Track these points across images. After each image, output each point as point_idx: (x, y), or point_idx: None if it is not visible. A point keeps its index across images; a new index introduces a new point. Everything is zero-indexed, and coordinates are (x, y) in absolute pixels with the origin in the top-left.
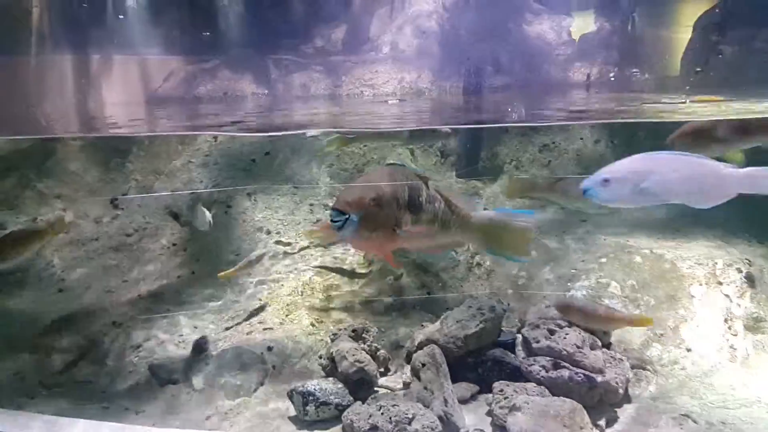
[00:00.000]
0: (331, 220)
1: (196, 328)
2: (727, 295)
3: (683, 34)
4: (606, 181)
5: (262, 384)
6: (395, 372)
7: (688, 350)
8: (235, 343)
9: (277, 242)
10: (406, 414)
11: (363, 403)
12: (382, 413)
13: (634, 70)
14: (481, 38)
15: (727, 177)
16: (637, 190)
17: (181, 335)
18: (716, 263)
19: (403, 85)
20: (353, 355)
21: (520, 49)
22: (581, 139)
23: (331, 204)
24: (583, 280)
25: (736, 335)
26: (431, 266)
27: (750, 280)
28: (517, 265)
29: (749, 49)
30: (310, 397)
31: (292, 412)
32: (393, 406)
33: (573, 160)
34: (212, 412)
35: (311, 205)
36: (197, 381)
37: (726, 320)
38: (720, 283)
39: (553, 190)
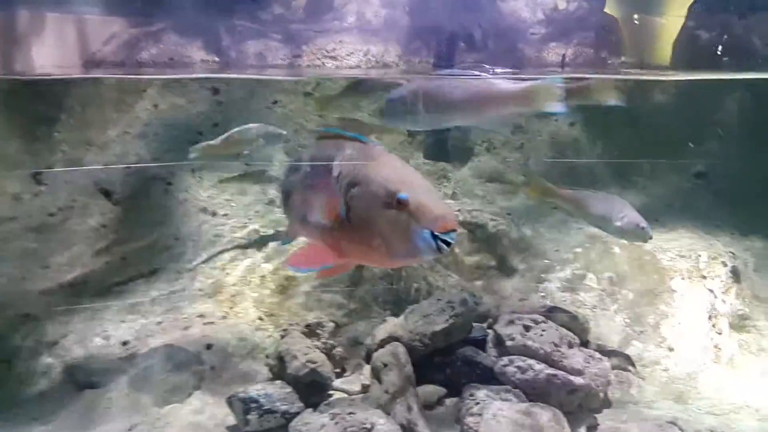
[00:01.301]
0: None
1: (123, 322)
2: (711, 291)
3: (671, 20)
4: (390, 101)
5: (197, 388)
6: (353, 373)
7: (671, 350)
8: (168, 339)
9: (224, 225)
10: (364, 424)
11: (315, 410)
12: (335, 422)
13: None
14: (453, 12)
15: (505, 94)
16: (417, 111)
17: (106, 330)
18: (700, 256)
19: (368, 57)
20: (305, 354)
21: (494, 25)
22: (556, 120)
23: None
24: (557, 272)
25: (720, 334)
26: None
27: (735, 274)
28: (489, 254)
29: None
30: (253, 404)
31: (232, 420)
32: (349, 414)
33: (547, 143)
34: (137, 421)
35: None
36: (121, 384)
37: (710, 317)
38: (704, 277)
39: (568, 200)
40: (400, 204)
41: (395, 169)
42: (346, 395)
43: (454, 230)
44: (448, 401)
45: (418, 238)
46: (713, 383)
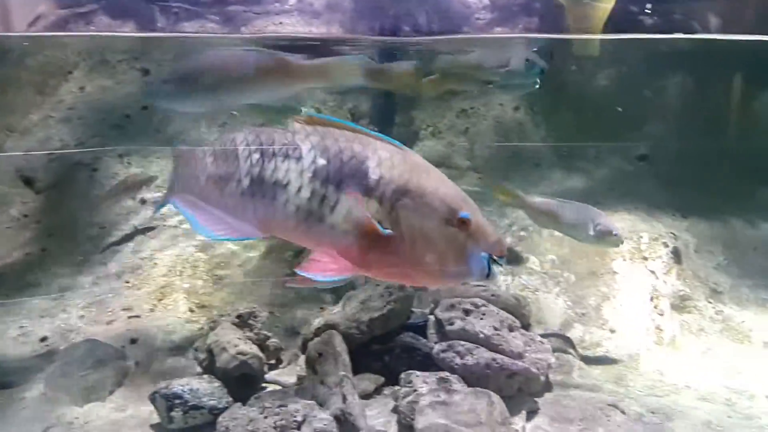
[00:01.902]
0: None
1: (42, 317)
2: (652, 272)
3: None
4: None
5: (120, 385)
6: (289, 364)
7: (612, 331)
8: (90, 334)
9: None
10: (295, 416)
11: (244, 404)
12: (265, 416)
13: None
14: None
15: (298, 68)
16: (197, 89)
17: (22, 326)
18: (641, 237)
19: None
20: (235, 346)
21: (439, 9)
22: (500, 105)
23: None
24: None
25: (662, 315)
26: None
27: (677, 255)
28: None
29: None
30: (177, 400)
31: (156, 418)
32: (279, 407)
33: (492, 127)
34: (53, 422)
35: None
36: (37, 383)
37: (652, 299)
38: (645, 259)
39: (536, 209)
40: (462, 223)
41: (447, 182)
42: (280, 388)
43: (504, 256)
44: (387, 390)
45: (474, 260)
46: (655, 364)
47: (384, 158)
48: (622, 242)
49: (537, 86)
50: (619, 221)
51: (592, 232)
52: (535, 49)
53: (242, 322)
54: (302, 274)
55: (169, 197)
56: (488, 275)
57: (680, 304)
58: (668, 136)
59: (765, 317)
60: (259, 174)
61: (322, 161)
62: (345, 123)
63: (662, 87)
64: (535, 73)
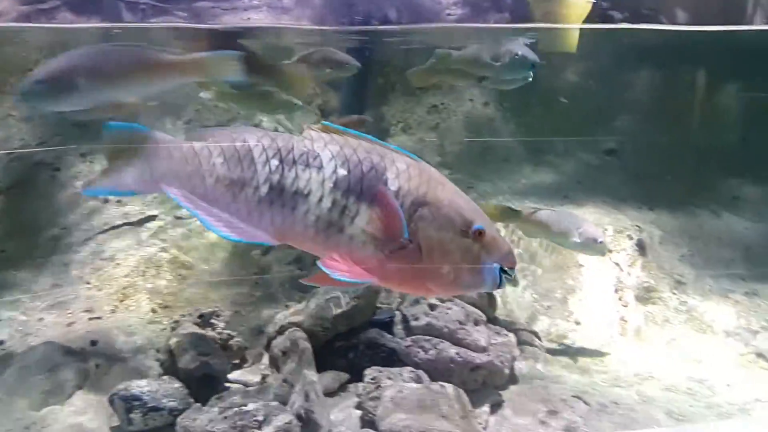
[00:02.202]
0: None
1: (0, 320)
2: (617, 264)
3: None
4: (36, 82)
5: (80, 388)
6: (253, 363)
7: (577, 323)
8: (49, 337)
9: (118, 212)
10: (255, 416)
11: (205, 404)
12: (224, 417)
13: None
14: None
15: (172, 63)
16: (71, 89)
17: None
18: (606, 230)
19: None
20: (196, 346)
21: (409, 4)
22: (470, 100)
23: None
24: None
25: (626, 306)
26: None
27: (641, 247)
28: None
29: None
30: (135, 402)
31: (116, 421)
32: (240, 407)
33: (462, 122)
34: (8, 426)
35: None
36: None
37: (617, 290)
38: (610, 251)
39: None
40: (478, 235)
41: (461, 194)
42: (244, 387)
43: (514, 267)
44: (352, 386)
45: (486, 270)
46: (619, 355)
47: (401, 170)
48: (607, 249)
49: (530, 80)
50: (585, 214)
51: (577, 239)
52: (527, 43)
53: (204, 322)
54: (324, 269)
55: (147, 185)
56: (499, 285)
57: (645, 296)
58: (636, 130)
59: (727, 307)
60: (279, 182)
61: (342, 171)
62: (360, 134)
63: (630, 81)
64: (526, 68)
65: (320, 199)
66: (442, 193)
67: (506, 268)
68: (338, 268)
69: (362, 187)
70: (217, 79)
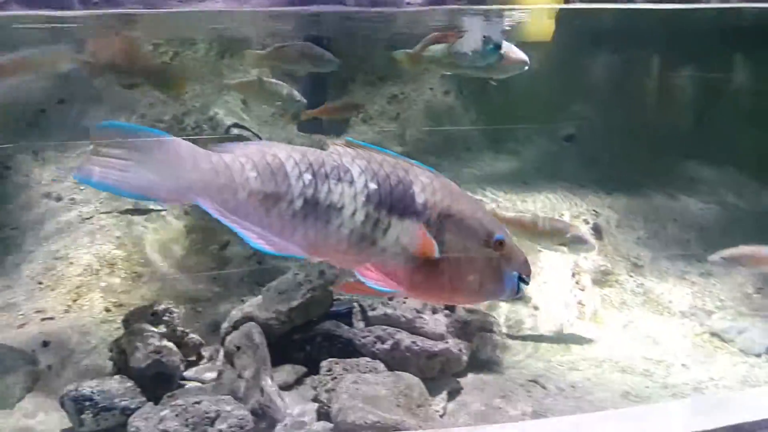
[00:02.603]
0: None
1: None
2: None
3: None
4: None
5: (30, 390)
6: (210, 360)
7: (536, 309)
8: None
9: (71, 211)
10: (207, 413)
11: (158, 403)
12: (176, 415)
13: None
14: None
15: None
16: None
17: None
18: (563, 215)
19: None
20: (149, 344)
21: None
22: (431, 89)
23: None
24: None
25: (584, 290)
26: None
27: (597, 231)
28: None
29: None
30: (86, 403)
31: (68, 423)
32: (193, 404)
33: (422, 112)
34: None
35: None
36: None
37: (574, 275)
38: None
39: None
40: (499, 245)
41: (480, 205)
42: (199, 384)
43: (530, 275)
44: (309, 379)
45: (507, 279)
46: (577, 339)
47: (426, 183)
48: (594, 248)
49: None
50: (543, 200)
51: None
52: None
53: (157, 319)
54: (361, 278)
55: (172, 194)
56: (517, 293)
57: (602, 279)
58: (594, 115)
59: (684, 288)
60: (313, 196)
61: (373, 185)
62: (382, 150)
63: (588, 66)
64: (491, 50)
65: (353, 213)
66: (464, 205)
67: (523, 276)
68: (373, 277)
69: (392, 201)
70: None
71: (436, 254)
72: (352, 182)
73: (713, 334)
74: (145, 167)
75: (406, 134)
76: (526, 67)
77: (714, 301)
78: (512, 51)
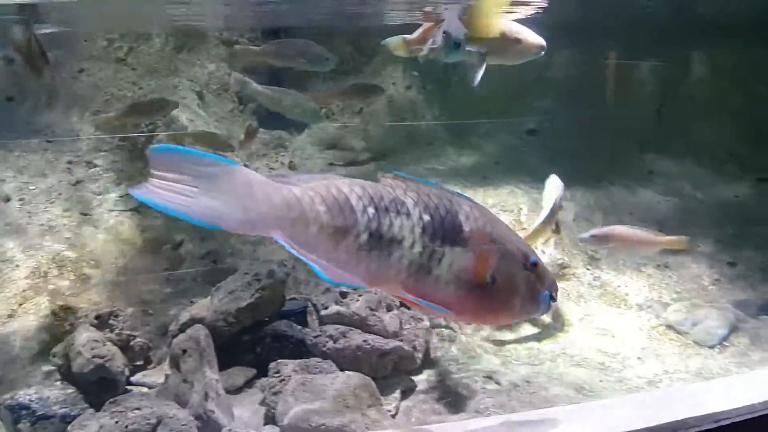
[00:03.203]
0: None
1: None
2: None
3: None
4: None
5: None
6: (159, 364)
7: None
8: None
9: (20, 211)
10: (148, 419)
11: (99, 409)
12: (116, 421)
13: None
14: None
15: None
16: None
17: None
18: (521, 209)
19: None
20: (92, 348)
21: None
22: (393, 84)
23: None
24: None
25: None
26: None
27: (555, 225)
28: None
29: None
30: (23, 411)
31: None
32: (134, 410)
33: (385, 106)
34: None
35: (69, 163)
36: None
37: None
38: (525, 229)
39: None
40: (533, 266)
41: (510, 228)
42: (145, 389)
43: (557, 292)
44: (259, 382)
45: (542, 298)
46: (533, 334)
47: (468, 212)
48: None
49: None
50: (501, 195)
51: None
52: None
53: (102, 322)
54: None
55: (243, 225)
56: (548, 309)
57: (559, 273)
58: (556, 110)
59: (640, 281)
60: (377, 230)
61: (426, 217)
62: (426, 182)
63: (550, 62)
64: (452, 44)
65: (412, 245)
66: (503, 231)
67: (553, 294)
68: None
69: (444, 231)
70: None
71: (487, 279)
72: (408, 215)
73: (669, 327)
74: (212, 195)
75: (368, 129)
76: (543, 53)
77: (670, 293)
78: (529, 35)
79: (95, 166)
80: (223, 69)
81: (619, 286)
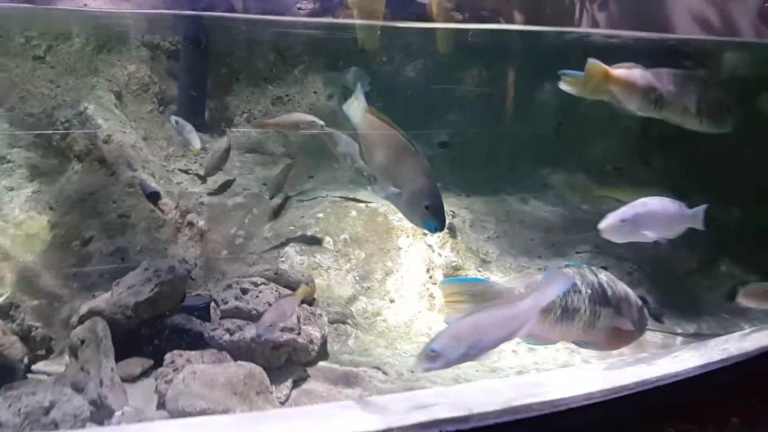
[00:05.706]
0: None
1: None
2: (430, 246)
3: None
4: None
5: None
6: (61, 353)
7: (392, 301)
8: None
9: None
10: (41, 403)
11: None
12: (9, 405)
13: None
14: None
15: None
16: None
17: None
18: None
19: None
20: None
21: None
22: (314, 92)
23: None
24: (298, 236)
25: (436, 284)
26: (131, 227)
27: (451, 230)
28: (235, 224)
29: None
30: None
31: None
32: (28, 395)
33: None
34: None
35: None
36: None
37: (428, 270)
38: (425, 235)
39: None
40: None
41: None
42: (45, 377)
43: None
44: (155, 372)
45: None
46: (425, 328)
47: (604, 281)
48: None
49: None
50: None
51: None
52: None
53: (2, 313)
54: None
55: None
56: None
57: (452, 274)
58: (465, 124)
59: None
60: (565, 306)
61: (588, 290)
62: (579, 264)
63: (462, 77)
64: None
65: (585, 312)
66: (621, 288)
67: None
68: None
69: (597, 298)
70: None
71: (630, 327)
72: (580, 292)
73: None
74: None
75: (288, 136)
76: None
77: None
78: None
79: (9, 161)
80: (144, 70)
81: None
